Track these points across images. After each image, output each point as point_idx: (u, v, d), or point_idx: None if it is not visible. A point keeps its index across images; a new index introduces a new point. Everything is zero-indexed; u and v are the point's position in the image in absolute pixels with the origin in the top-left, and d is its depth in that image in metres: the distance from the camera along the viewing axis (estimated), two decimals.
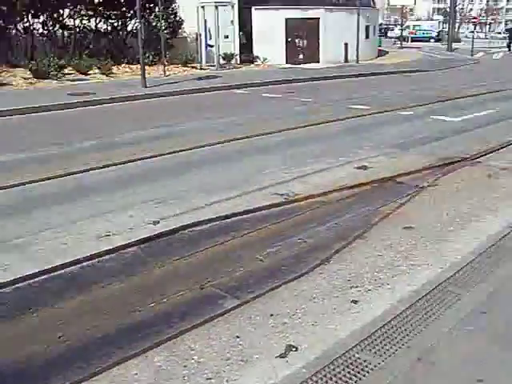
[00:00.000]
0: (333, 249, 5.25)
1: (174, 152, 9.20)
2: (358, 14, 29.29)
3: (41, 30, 22.42)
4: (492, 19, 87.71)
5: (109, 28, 24.21)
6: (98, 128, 12.00)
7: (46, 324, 4.01)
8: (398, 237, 5.54)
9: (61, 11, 22.34)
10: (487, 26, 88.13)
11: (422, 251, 5.19)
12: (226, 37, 24.38)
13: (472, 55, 38.03)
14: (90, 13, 23.10)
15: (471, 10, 68.91)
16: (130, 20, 23.78)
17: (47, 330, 3.92)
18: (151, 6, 23.48)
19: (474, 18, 55.24)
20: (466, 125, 11.92)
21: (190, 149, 9.43)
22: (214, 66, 23.72)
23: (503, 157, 9.02)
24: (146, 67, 19.93)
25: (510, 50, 42.35)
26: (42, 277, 4.72)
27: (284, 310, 4.14)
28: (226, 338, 3.76)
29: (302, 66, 27.20)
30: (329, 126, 11.85)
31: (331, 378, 3.22)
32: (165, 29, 22.03)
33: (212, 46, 23.91)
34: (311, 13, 28.53)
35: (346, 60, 29.73)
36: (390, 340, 3.59)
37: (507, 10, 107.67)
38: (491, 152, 9.27)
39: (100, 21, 23.73)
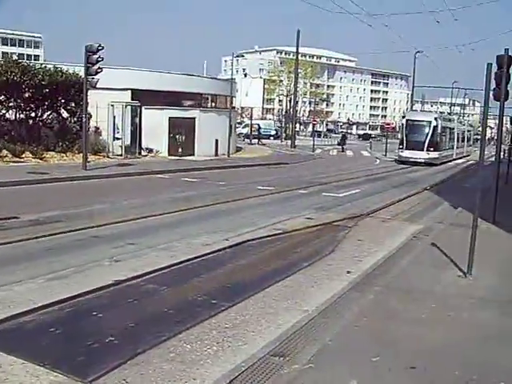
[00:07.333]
0: (329, 250, 10.45)
1: (195, 208, 14.12)
2: (230, 115, 35.66)
3: None
4: (320, 120, 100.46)
5: (22, 117, 27.42)
6: (103, 195, 15.95)
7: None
8: (358, 244, 10.93)
9: None
10: (311, 125, 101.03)
11: (374, 246, 10.65)
12: (132, 131, 28.93)
13: (313, 151, 45.97)
14: (11, 104, 26.37)
15: (297, 111, 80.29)
16: (44, 112, 27.38)
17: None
18: (63, 100, 27.39)
19: (314, 120, 64.31)
20: (349, 198, 18.03)
21: (201, 206, 14.20)
22: (120, 155, 28.02)
23: (382, 214, 15.06)
24: (58, 154, 24.49)
25: (343, 150, 50.23)
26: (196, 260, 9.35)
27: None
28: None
29: (183, 158, 32.33)
30: (263, 198, 17.09)
31: None
32: (78, 122, 26.14)
33: (120, 139, 28.37)
34: (189, 113, 34.33)
35: (217, 154, 35.54)
36: None
37: (326, 113, 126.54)
38: (375, 212, 15.22)
39: (18, 111, 27.03)
